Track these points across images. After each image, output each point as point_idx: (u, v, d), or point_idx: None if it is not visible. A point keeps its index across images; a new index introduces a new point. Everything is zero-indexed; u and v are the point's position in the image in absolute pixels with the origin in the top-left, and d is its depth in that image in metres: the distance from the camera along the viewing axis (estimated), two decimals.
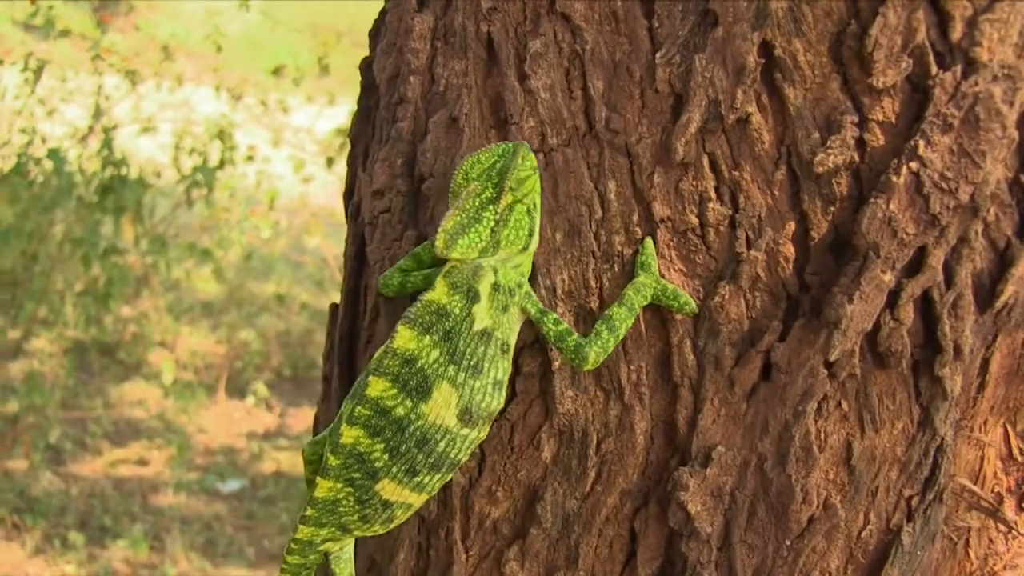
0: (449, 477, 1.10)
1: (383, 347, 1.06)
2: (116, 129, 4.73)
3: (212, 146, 4.83)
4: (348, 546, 1.22)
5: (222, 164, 4.71)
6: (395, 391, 1.04)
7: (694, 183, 1.10)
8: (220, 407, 5.05)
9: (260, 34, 7.29)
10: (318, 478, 1.10)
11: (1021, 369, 1.13)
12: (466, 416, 1.06)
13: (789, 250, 1.08)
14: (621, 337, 1.06)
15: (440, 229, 1.05)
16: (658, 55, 1.11)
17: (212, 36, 4.94)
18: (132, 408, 4.82)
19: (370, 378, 1.05)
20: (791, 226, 1.08)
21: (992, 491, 1.15)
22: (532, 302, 1.09)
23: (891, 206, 1.03)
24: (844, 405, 1.08)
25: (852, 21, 1.06)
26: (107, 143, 4.36)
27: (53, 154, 4.14)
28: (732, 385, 1.08)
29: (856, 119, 1.06)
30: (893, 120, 1.06)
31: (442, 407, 1.05)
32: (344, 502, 1.11)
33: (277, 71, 5.10)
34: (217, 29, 4.99)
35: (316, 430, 1.53)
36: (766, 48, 1.08)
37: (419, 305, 1.06)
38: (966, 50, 1.04)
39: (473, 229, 1.05)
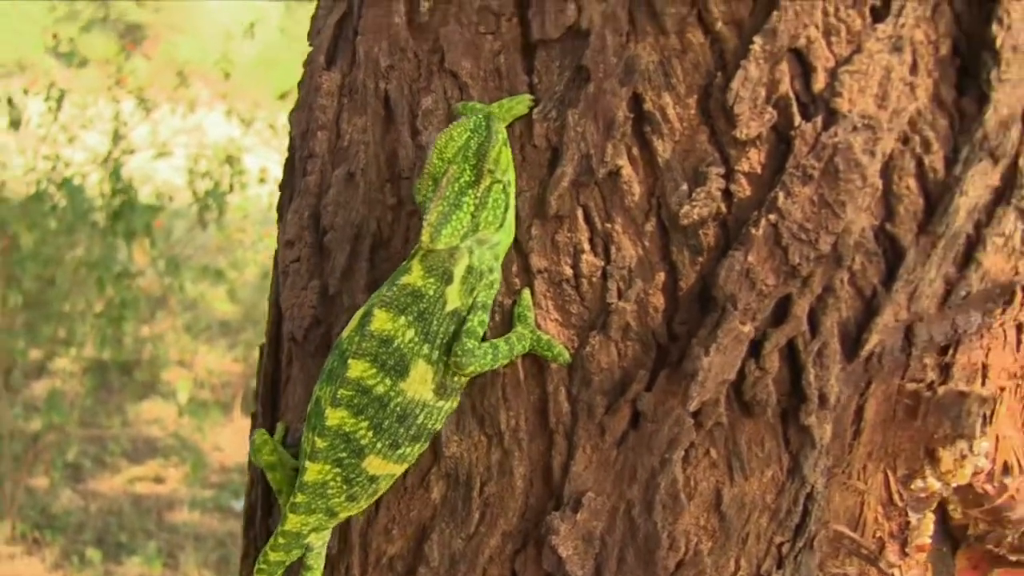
0: (423, 448, 1.17)
1: (352, 330, 1.13)
2: (132, 154, 4.99)
3: (223, 170, 5.05)
4: (325, 536, 1.28)
5: (231, 188, 4.92)
6: (375, 371, 1.12)
7: (569, 235, 1.17)
8: (236, 425, 5.24)
9: (277, 52, 7.53)
10: (307, 463, 1.17)
11: (898, 416, 1.17)
12: (441, 390, 1.13)
13: (659, 300, 1.14)
14: (497, 364, 1.12)
15: (425, 222, 1.10)
16: (535, 111, 1.18)
17: (220, 63, 5.17)
18: (149, 426, 5.04)
19: (349, 361, 1.12)
20: (661, 277, 1.14)
21: (874, 536, 1.18)
22: (485, 292, 1.14)
23: (749, 258, 1.08)
24: (713, 452, 1.13)
25: (719, 74, 1.12)
26: (116, 171, 4.61)
27: (67, 183, 4.39)
28: (603, 433, 1.14)
29: (722, 171, 1.11)
30: (759, 171, 1.11)
31: (419, 383, 1.12)
32: (332, 483, 1.18)
33: (284, 96, 5.29)
34: (226, 56, 5.22)
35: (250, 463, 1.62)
36: (637, 102, 1.14)
37: (395, 288, 1.12)
38: (828, 101, 1.09)
39: (455, 216, 1.11)
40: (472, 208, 1.12)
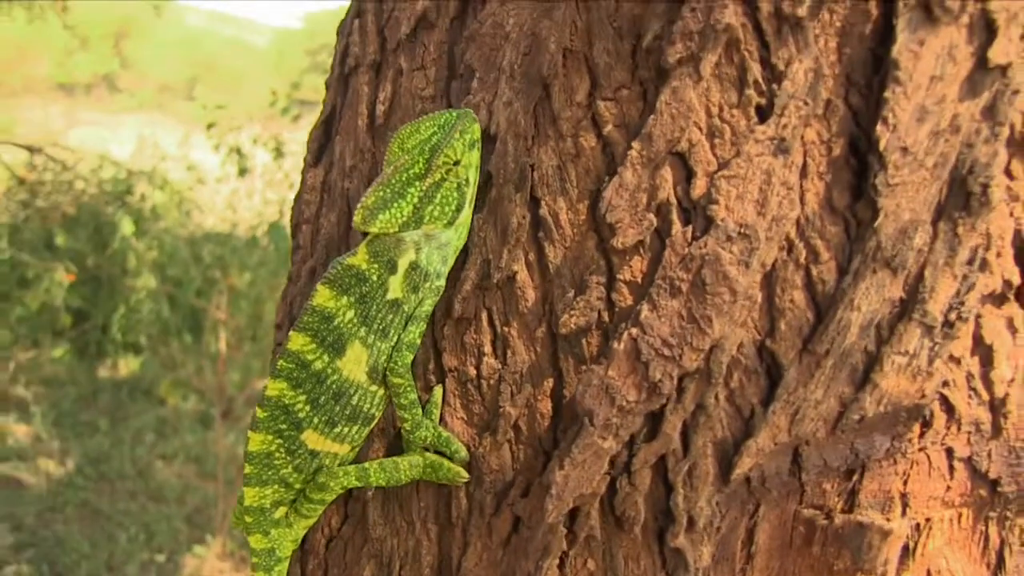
0: (367, 431, 1.35)
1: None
2: None
3: None
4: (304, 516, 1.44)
5: None
6: (314, 346, 1.29)
7: (475, 336, 1.35)
8: None
9: None
10: (249, 433, 1.34)
11: (796, 543, 1.20)
12: (374, 374, 1.32)
13: (546, 407, 1.29)
14: (412, 415, 1.31)
15: (360, 204, 1.27)
16: None
17: None
18: None
19: (291, 333, 1.29)
20: (549, 383, 1.29)
21: None
22: (431, 300, 1.31)
23: (610, 372, 1.20)
24: (591, 564, 1.25)
25: (607, 178, 1.26)
26: None
27: (274, 227, 5.23)
28: (491, 532, 1.31)
29: (603, 279, 1.24)
30: (639, 280, 1.23)
31: (354, 364, 1.30)
32: (276, 454, 1.35)
33: None
34: None
35: None
36: (535, 206, 1.31)
37: (340, 267, 1.28)
38: (704, 208, 1.18)
39: (396, 204, 1.26)
40: (416, 199, 1.27)
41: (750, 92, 1.15)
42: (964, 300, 1.14)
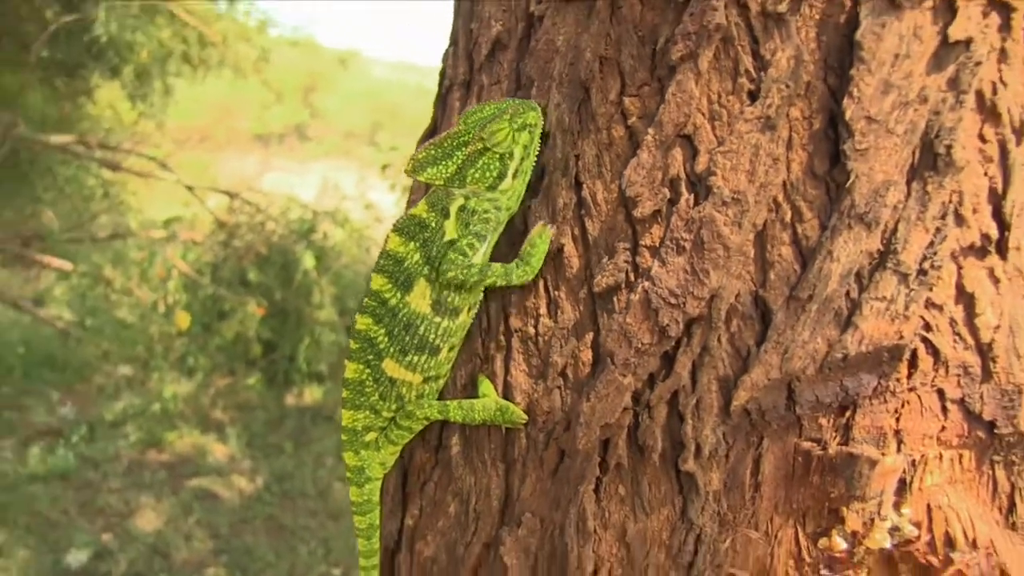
0: (433, 361, 1.61)
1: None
2: None
3: None
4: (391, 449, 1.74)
5: None
6: (390, 285, 1.58)
7: (534, 300, 1.64)
8: None
9: None
10: (345, 361, 1.66)
11: (797, 472, 1.39)
12: (437, 306, 1.58)
13: (587, 355, 1.55)
14: (471, 279, 1.54)
15: (412, 156, 1.57)
16: None
17: None
18: None
19: (372, 274, 1.60)
20: (590, 335, 1.55)
21: None
22: (480, 225, 1.56)
23: (627, 319, 1.46)
24: (621, 489, 1.50)
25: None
26: None
27: None
28: (542, 465, 1.59)
29: (629, 245, 1.51)
30: (657, 244, 1.48)
31: (420, 298, 1.57)
32: (367, 382, 1.64)
33: None
34: None
35: None
36: (579, 189, 1.59)
37: (406, 217, 1.58)
38: (705, 179, 1.43)
39: (442, 163, 1.55)
40: (460, 162, 1.55)
41: (742, 80, 1.39)
42: (937, 250, 1.32)
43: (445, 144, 1.58)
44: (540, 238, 1.54)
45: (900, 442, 1.36)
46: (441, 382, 1.69)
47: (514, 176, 1.57)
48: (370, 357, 1.64)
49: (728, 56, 1.41)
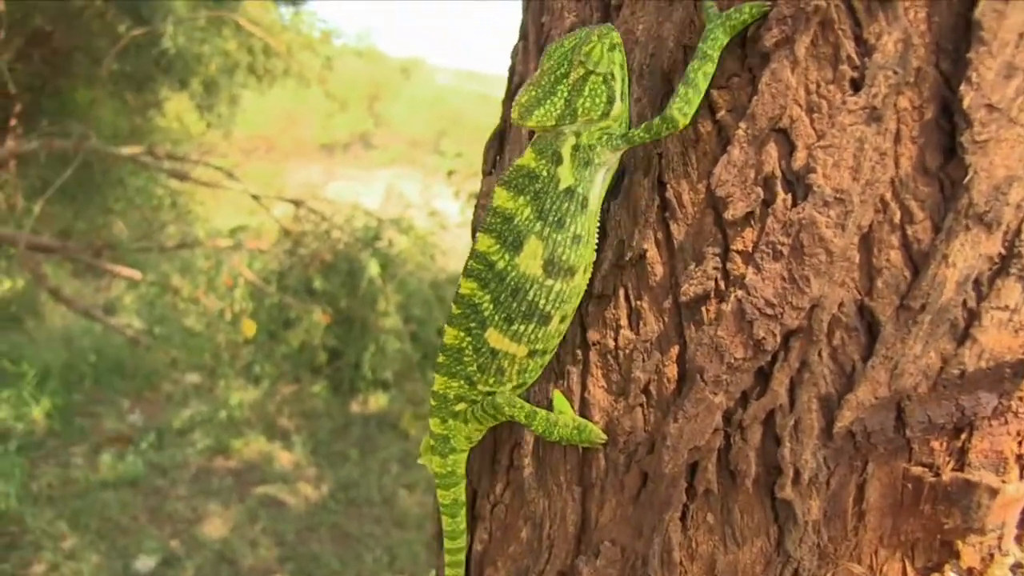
0: (540, 332, 1.46)
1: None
2: None
3: None
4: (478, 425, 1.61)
5: None
6: (497, 246, 1.44)
7: (613, 311, 1.53)
8: None
9: None
10: (445, 326, 1.53)
11: (906, 501, 1.26)
12: (550, 267, 1.42)
13: (672, 371, 1.44)
14: (702, 88, 1.32)
15: (515, 102, 1.43)
16: None
17: None
18: None
19: (478, 234, 1.45)
20: (675, 349, 1.44)
21: None
22: (616, 138, 1.40)
23: (719, 332, 1.34)
24: (710, 518, 1.38)
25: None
26: None
27: None
28: (623, 489, 1.48)
29: (719, 250, 1.39)
30: (751, 249, 1.36)
31: (530, 258, 1.42)
32: (466, 351, 1.52)
33: None
34: None
35: None
36: (662, 189, 1.48)
37: (512, 170, 1.43)
38: (804, 178, 1.30)
39: (548, 101, 1.41)
40: (566, 94, 1.40)
41: (844, 67, 1.27)
42: None
43: (543, 83, 1.44)
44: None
45: (1023, 468, 1.22)
46: (547, 358, 1.54)
47: (621, 99, 1.43)
48: (472, 325, 1.51)
49: (828, 41, 1.28)
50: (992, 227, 1.19)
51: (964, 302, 1.22)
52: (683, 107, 1.32)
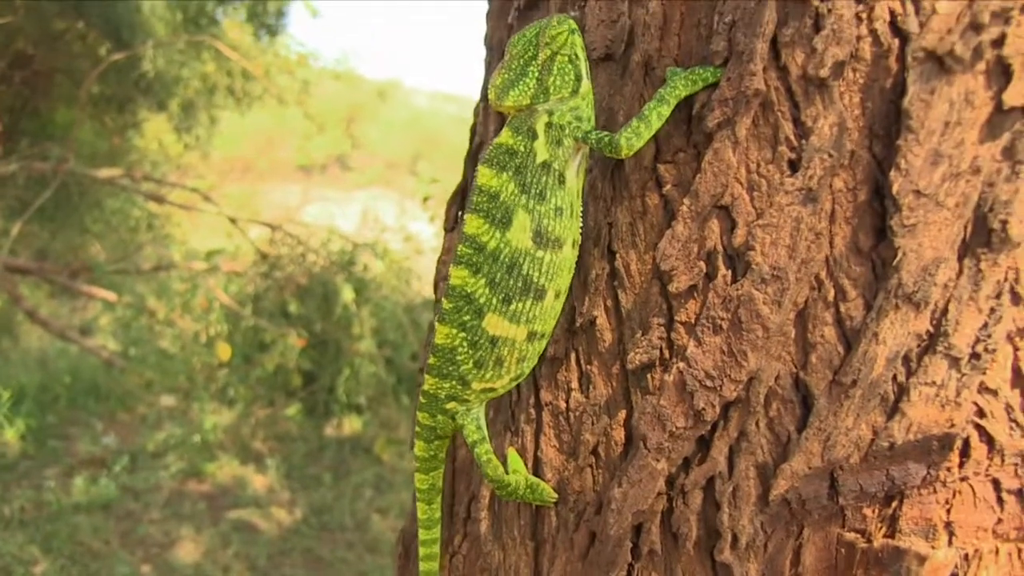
0: (537, 309, 1.45)
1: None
2: None
3: None
4: (474, 411, 1.58)
5: None
6: (487, 225, 1.44)
7: (565, 374, 1.57)
8: None
9: None
10: (436, 324, 1.50)
11: (840, 565, 1.29)
12: (538, 238, 1.43)
13: (620, 434, 1.47)
14: (653, 126, 1.36)
15: (490, 85, 1.48)
16: None
17: None
18: None
19: (465, 216, 1.44)
20: (623, 413, 1.47)
21: None
22: (581, 130, 1.43)
23: (662, 401, 1.38)
24: None
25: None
26: None
27: None
28: (573, 547, 1.51)
29: (664, 321, 1.43)
30: (694, 320, 1.40)
31: (520, 231, 1.42)
32: (459, 348, 1.49)
33: None
34: None
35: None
36: (611, 258, 1.52)
37: (491, 149, 1.46)
38: (744, 254, 1.35)
39: (521, 82, 1.46)
40: (537, 74, 1.45)
41: (783, 148, 1.31)
42: (991, 333, 1.23)
43: (514, 66, 1.48)
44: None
45: (952, 535, 1.26)
46: (543, 344, 1.53)
47: (587, 76, 1.47)
48: (466, 318, 1.48)
49: (767, 122, 1.33)
50: (920, 306, 1.23)
51: (894, 377, 1.26)
52: (631, 138, 1.37)
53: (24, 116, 9.66)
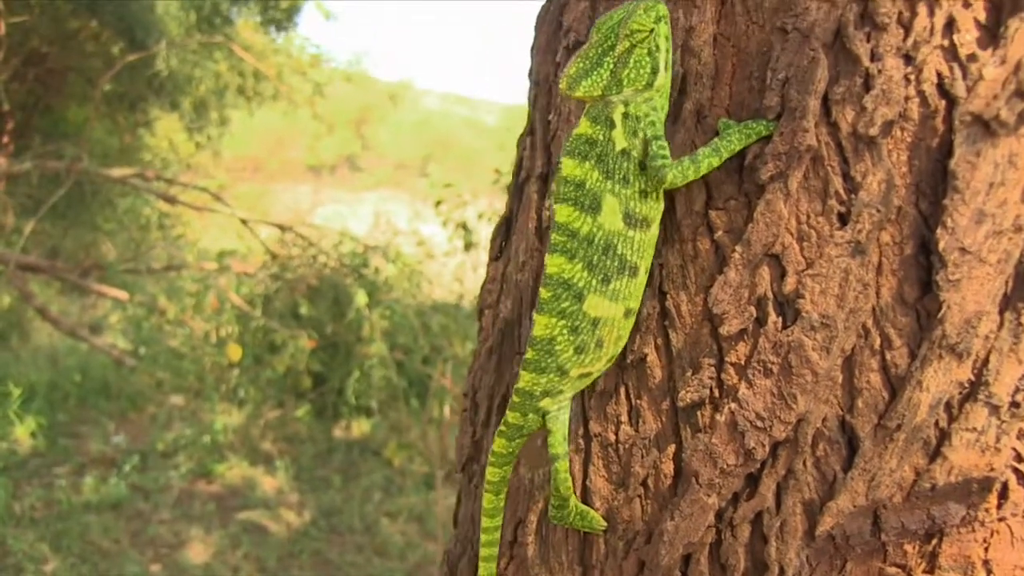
0: (632, 285, 1.49)
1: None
2: None
3: None
4: (564, 407, 1.61)
5: None
6: (577, 212, 1.47)
7: (614, 407, 1.65)
8: None
9: None
10: (534, 315, 1.51)
11: None
12: (628, 219, 1.47)
13: (669, 468, 1.56)
14: (701, 172, 1.43)
15: (563, 74, 1.50)
16: None
17: None
18: None
19: (555, 207, 1.48)
20: (672, 448, 1.56)
21: None
22: (655, 128, 1.47)
23: (714, 440, 1.46)
24: None
25: (719, 276, 1.53)
26: None
27: None
28: (621, 573, 1.59)
29: (714, 361, 1.51)
30: (743, 362, 1.48)
31: (611, 215, 1.46)
32: (559, 338, 1.51)
33: None
34: None
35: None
36: (662, 298, 1.60)
37: (572, 140, 1.49)
38: (794, 302, 1.43)
39: (595, 72, 1.48)
40: (611, 66, 1.47)
41: (832, 202, 1.40)
42: None
43: (591, 54, 1.51)
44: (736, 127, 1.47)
45: (989, 572, 1.35)
46: (632, 321, 1.57)
47: (665, 69, 1.50)
48: (565, 304, 1.51)
49: (818, 176, 1.41)
50: (963, 356, 1.31)
51: (936, 422, 1.34)
52: (678, 176, 1.44)
53: (37, 114, 9.76)
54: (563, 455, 1.60)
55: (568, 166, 1.50)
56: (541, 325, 1.52)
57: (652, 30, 1.47)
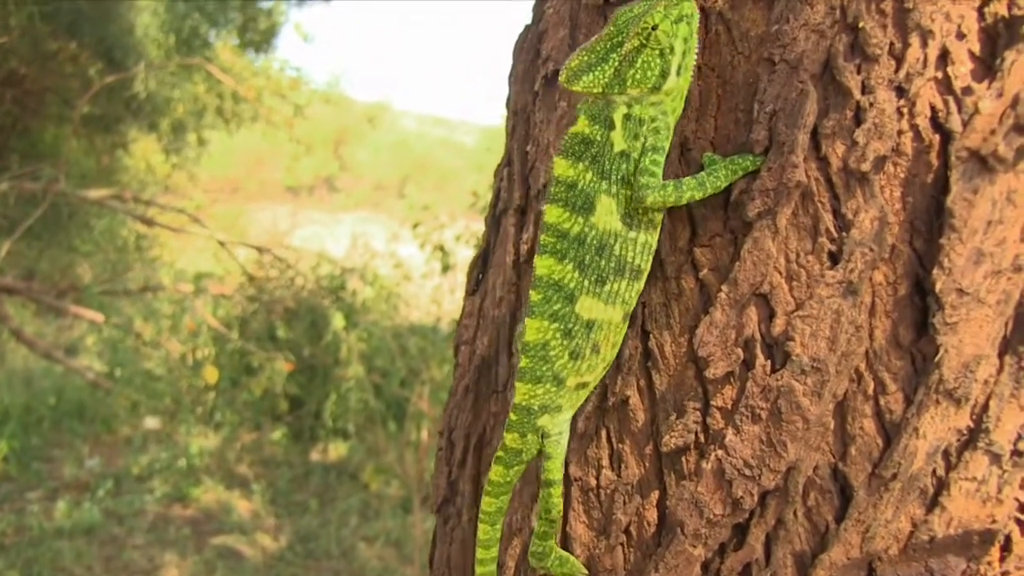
0: (634, 288, 1.41)
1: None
2: None
3: None
4: (564, 432, 1.51)
5: None
6: (567, 213, 1.39)
7: (595, 451, 1.56)
8: None
9: None
10: (526, 319, 1.43)
11: None
12: (628, 219, 1.39)
13: (652, 515, 1.47)
14: (683, 201, 1.35)
15: (565, 66, 1.40)
16: None
17: None
18: None
19: (545, 207, 1.40)
20: (655, 495, 1.47)
21: None
22: (652, 136, 1.38)
23: (699, 488, 1.37)
24: None
25: (704, 316, 1.45)
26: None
27: None
28: None
29: (700, 405, 1.43)
30: (730, 406, 1.40)
31: (606, 215, 1.38)
32: (552, 342, 1.43)
33: None
34: None
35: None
36: (645, 338, 1.52)
37: (567, 138, 1.40)
38: (783, 344, 1.35)
39: (598, 68, 1.38)
40: (616, 64, 1.38)
41: (823, 240, 1.32)
42: None
43: (598, 48, 1.41)
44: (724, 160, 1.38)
45: None
46: (626, 324, 1.48)
47: (678, 73, 1.39)
48: (557, 307, 1.42)
49: (808, 213, 1.34)
50: (961, 402, 1.24)
51: (934, 471, 1.26)
52: (657, 200, 1.36)
53: (14, 135, 9.60)
54: (558, 482, 1.49)
55: (560, 166, 1.41)
56: (533, 329, 1.43)
57: (658, 27, 1.35)
